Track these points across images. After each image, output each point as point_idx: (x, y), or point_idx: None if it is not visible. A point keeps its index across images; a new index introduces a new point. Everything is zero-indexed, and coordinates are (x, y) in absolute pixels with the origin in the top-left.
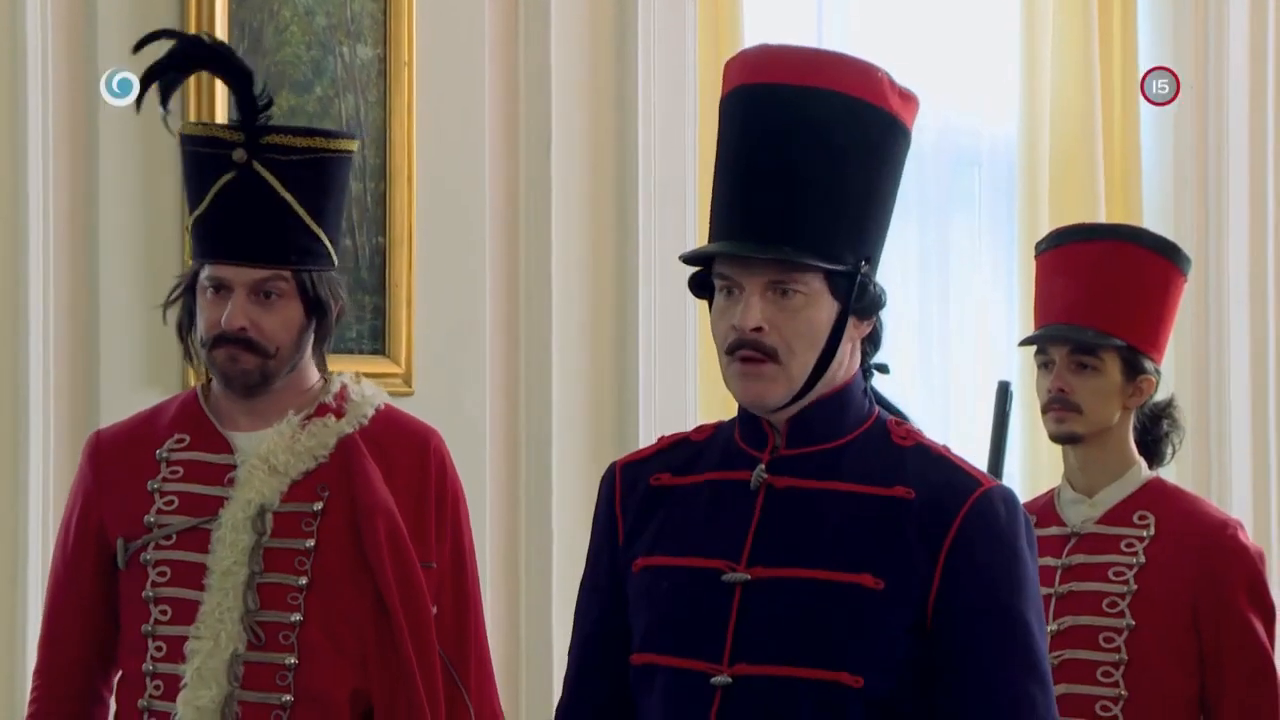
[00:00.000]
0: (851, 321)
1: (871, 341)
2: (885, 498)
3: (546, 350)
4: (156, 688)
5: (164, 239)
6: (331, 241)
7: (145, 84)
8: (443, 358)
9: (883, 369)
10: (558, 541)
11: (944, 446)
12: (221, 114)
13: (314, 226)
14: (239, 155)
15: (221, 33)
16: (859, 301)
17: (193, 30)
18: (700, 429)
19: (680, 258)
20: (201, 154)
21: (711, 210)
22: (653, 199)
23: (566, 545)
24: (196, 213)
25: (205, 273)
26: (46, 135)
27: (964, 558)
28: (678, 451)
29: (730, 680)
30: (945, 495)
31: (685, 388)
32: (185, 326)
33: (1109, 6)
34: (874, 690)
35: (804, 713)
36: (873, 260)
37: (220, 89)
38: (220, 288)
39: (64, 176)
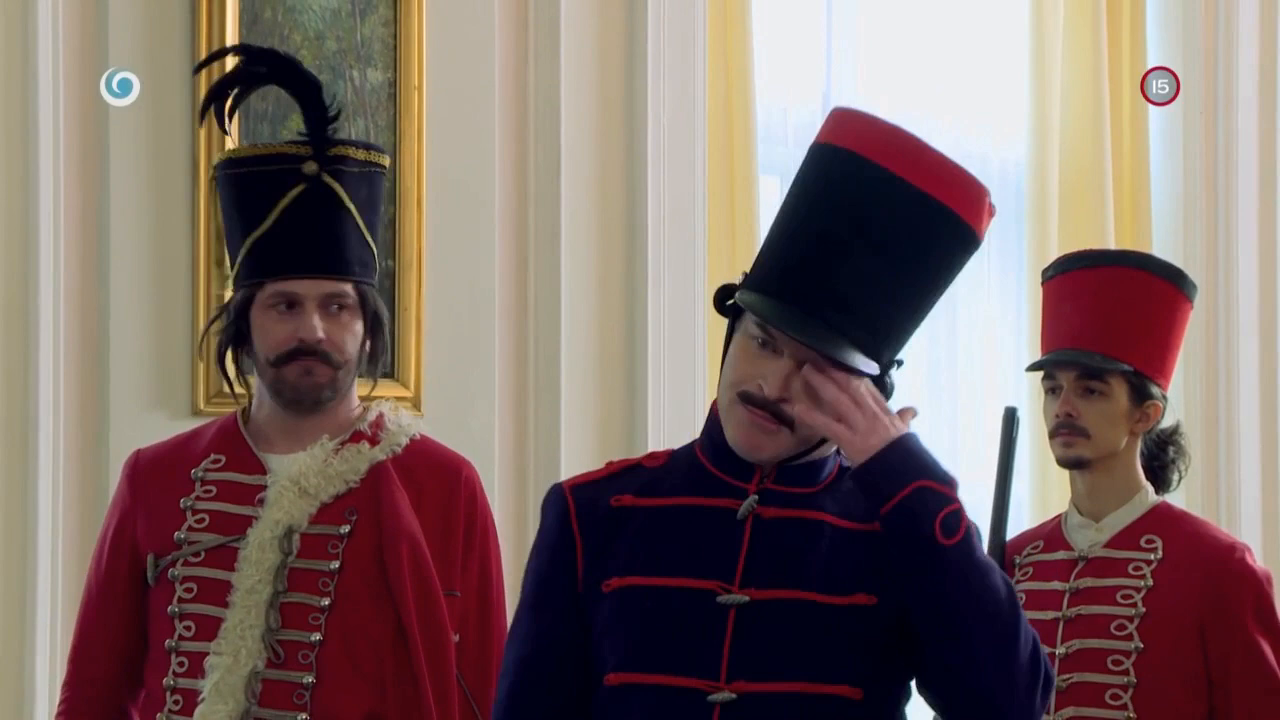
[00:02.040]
0: None
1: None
2: (868, 533)
3: (555, 372)
4: (176, 702)
5: (173, 262)
6: (376, 256)
7: (212, 99)
8: (452, 380)
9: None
10: None
11: None
12: (232, 126)
13: (368, 238)
14: (311, 167)
15: (232, 55)
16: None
17: (204, 50)
18: (652, 455)
19: (737, 300)
20: (265, 172)
21: (764, 252)
22: (662, 220)
23: None
24: (257, 233)
25: (269, 290)
26: (57, 148)
27: None
28: (633, 476)
29: (733, 696)
30: None
31: (694, 408)
32: (229, 350)
33: (1118, 31)
34: (875, 702)
35: None
36: (901, 362)
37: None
38: (291, 303)
39: (74, 193)
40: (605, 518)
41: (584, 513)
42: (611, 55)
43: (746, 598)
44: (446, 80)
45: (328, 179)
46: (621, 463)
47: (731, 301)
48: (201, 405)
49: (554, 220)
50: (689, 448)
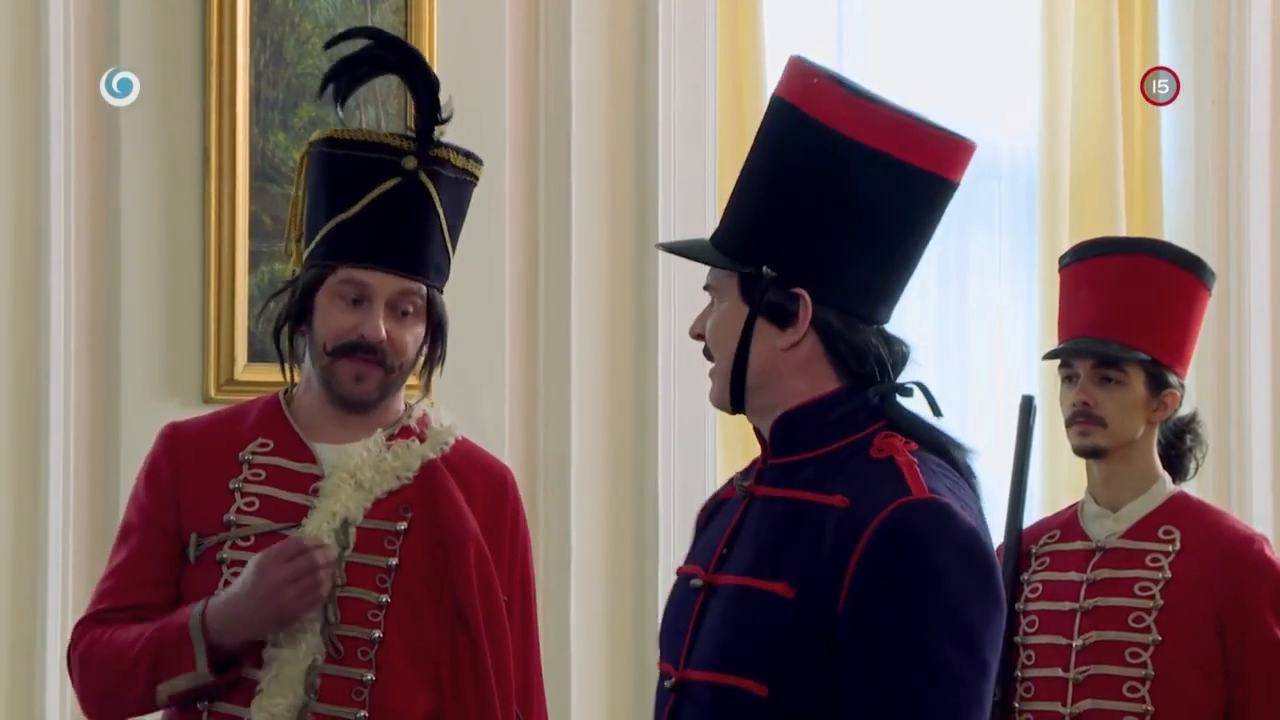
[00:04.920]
0: (772, 330)
1: (856, 359)
2: (822, 505)
3: (565, 361)
4: (219, 688)
5: (185, 252)
6: (450, 264)
7: (333, 77)
8: (461, 370)
9: (902, 390)
10: (576, 552)
11: (910, 460)
12: (243, 115)
13: (449, 245)
14: (410, 163)
15: (243, 44)
16: (767, 309)
17: (214, 42)
18: None
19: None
20: (365, 159)
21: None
22: (672, 208)
23: (584, 555)
24: (343, 216)
25: (342, 275)
26: (68, 143)
27: (870, 570)
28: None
29: (675, 684)
30: (868, 504)
31: (705, 397)
32: (287, 323)
33: (1130, 20)
34: (779, 701)
35: (713, 718)
36: (792, 272)
37: (242, 89)
38: (360, 297)
39: (85, 187)
40: (709, 511)
41: (707, 507)
42: (622, 44)
43: (704, 583)
44: (457, 67)
45: (424, 178)
46: None
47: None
48: (212, 394)
49: (564, 209)
50: None
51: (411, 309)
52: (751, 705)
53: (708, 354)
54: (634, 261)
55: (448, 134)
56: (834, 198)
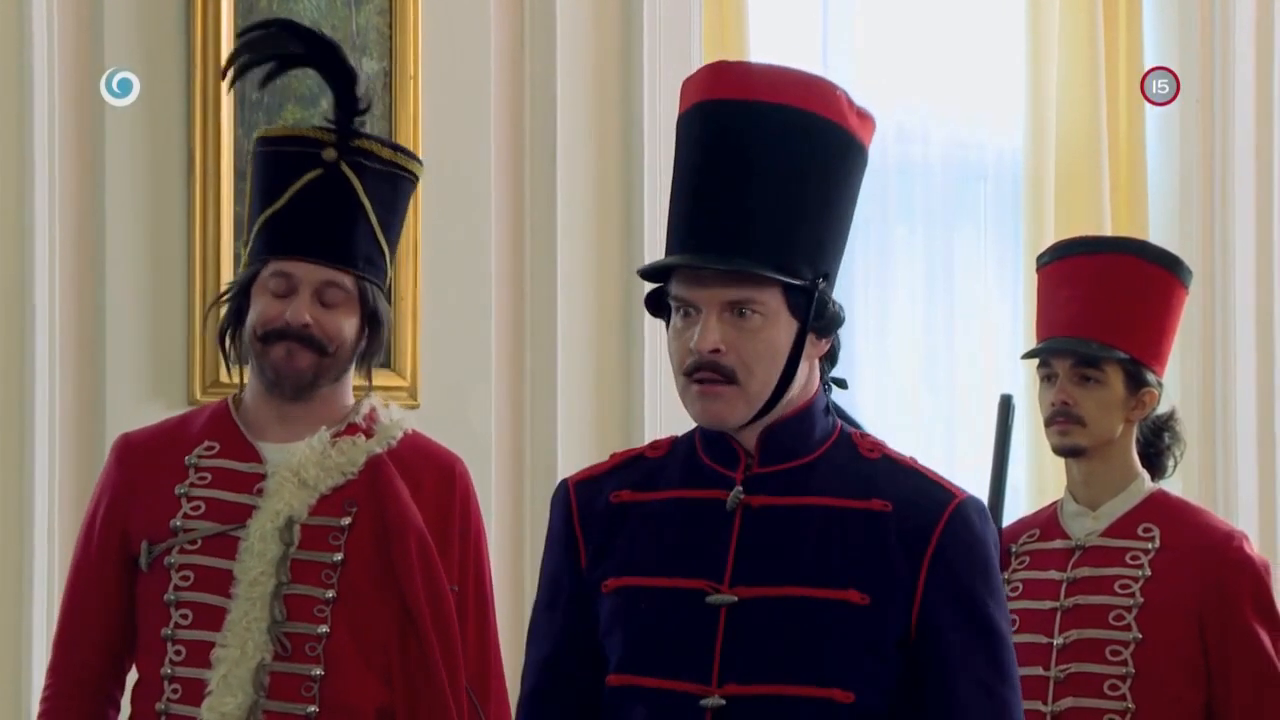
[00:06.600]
0: (810, 339)
1: (829, 358)
2: (863, 511)
3: (552, 362)
4: (174, 691)
5: (169, 255)
6: (389, 260)
7: (247, 65)
8: (448, 371)
9: (840, 383)
10: None
11: (910, 458)
12: (227, 116)
13: (381, 239)
14: (329, 154)
15: (227, 45)
16: (818, 319)
17: (199, 44)
18: (655, 444)
19: (638, 272)
20: (286, 153)
21: (667, 228)
22: (657, 211)
23: None
24: (269, 211)
25: (270, 269)
26: (53, 144)
27: (944, 569)
28: (635, 468)
29: (723, 702)
30: (922, 507)
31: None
32: (229, 328)
33: (1114, 19)
34: (865, 705)
35: None
36: (830, 277)
37: (226, 91)
38: (288, 288)
39: (70, 189)
40: (604, 514)
41: (585, 510)
42: (607, 44)
43: (735, 597)
44: (442, 69)
45: (345, 169)
46: (625, 454)
47: (655, 290)
48: (198, 395)
49: (549, 209)
50: (690, 435)
51: (339, 298)
52: (838, 713)
53: (727, 375)
54: (620, 266)
55: (437, 132)
56: (847, 192)
